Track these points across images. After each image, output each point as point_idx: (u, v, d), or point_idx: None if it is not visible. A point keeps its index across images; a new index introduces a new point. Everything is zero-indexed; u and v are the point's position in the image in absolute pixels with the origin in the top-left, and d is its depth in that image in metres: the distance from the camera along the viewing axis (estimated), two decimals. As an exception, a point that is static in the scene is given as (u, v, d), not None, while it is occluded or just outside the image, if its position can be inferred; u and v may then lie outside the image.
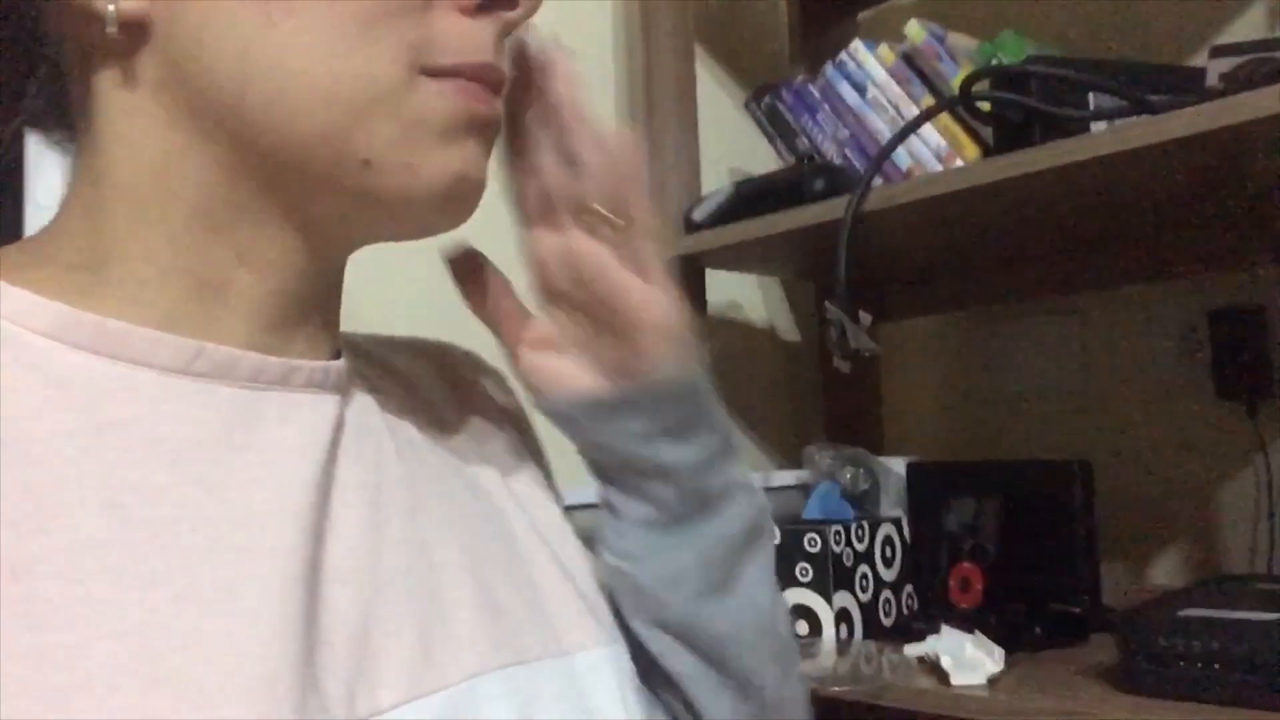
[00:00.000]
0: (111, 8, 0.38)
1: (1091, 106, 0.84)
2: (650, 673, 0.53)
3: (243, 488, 0.39)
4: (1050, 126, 0.85)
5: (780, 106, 1.21)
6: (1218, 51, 0.78)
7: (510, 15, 0.43)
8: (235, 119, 0.39)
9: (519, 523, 0.52)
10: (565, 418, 0.51)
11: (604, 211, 0.48)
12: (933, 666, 0.93)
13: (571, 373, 0.50)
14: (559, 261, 0.49)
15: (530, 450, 0.57)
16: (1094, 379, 1.31)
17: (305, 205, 0.42)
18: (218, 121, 0.40)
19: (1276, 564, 1.14)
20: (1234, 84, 0.74)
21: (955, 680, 0.90)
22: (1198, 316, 1.20)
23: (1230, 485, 1.20)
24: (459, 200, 0.43)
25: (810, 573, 1.05)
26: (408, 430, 0.49)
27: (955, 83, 1.04)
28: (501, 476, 0.53)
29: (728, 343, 1.36)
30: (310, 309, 0.45)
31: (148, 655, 0.34)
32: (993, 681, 0.89)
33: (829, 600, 1.04)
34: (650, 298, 0.48)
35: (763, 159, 1.28)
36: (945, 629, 0.96)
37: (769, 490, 1.19)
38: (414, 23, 0.41)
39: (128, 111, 0.40)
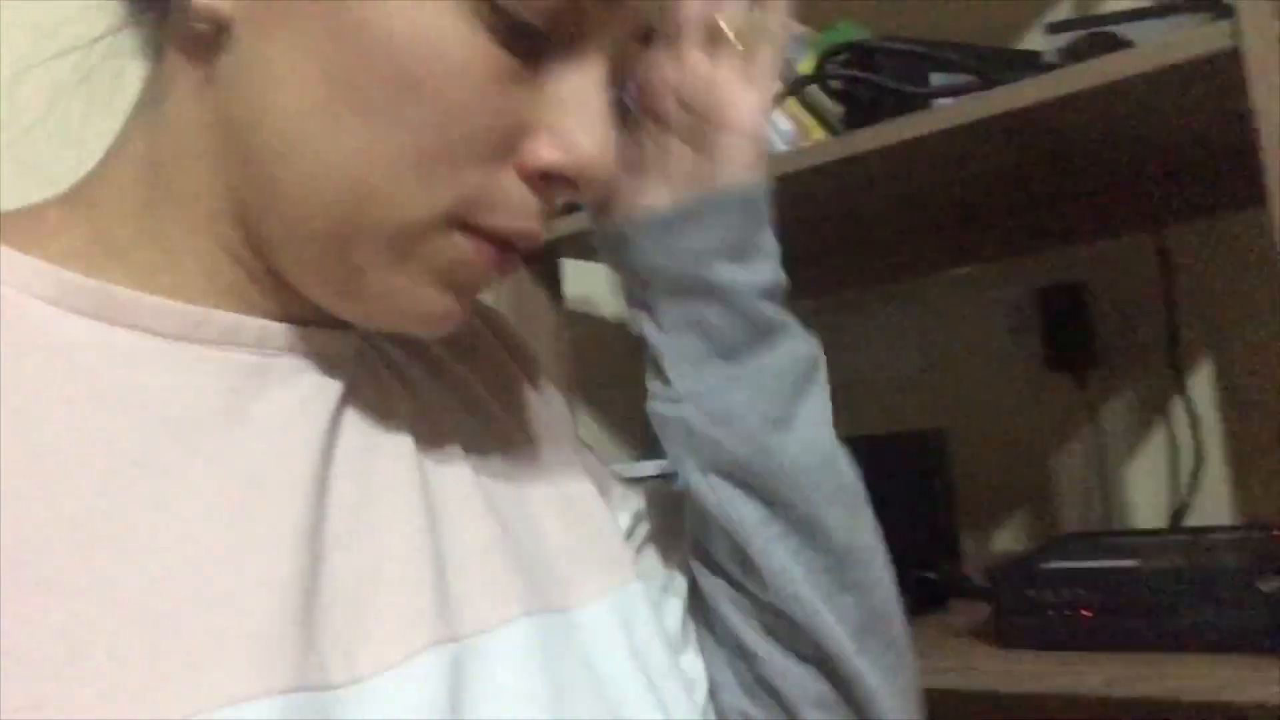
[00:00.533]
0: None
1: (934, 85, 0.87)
2: (695, 550, 0.53)
3: (245, 455, 0.39)
4: (898, 105, 0.87)
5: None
6: (1053, 28, 0.82)
7: (558, 191, 0.42)
8: (262, 175, 0.39)
9: (530, 471, 0.51)
10: (623, 239, 0.49)
11: (730, 33, 0.48)
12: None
13: (639, 191, 0.49)
14: (666, 84, 0.48)
15: (542, 390, 0.56)
16: (934, 360, 1.36)
17: (293, 271, 0.41)
18: (246, 163, 0.39)
19: (1109, 522, 1.21)
20: (1069, 57, 0.78)
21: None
22: (1027, 294, 1.27)
23: (1064, 452, 1.26)
24: (428, 328, 0.43)
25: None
26: (419, 386, 0.49)
27: (801, 69, 1.06)
28: (512, 422, 0.52)
29: (584, 334, 1.34)
30: None
31: (147, 623, 0.34)
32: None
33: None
34: (748, 100, 0.48)
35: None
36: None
37: (636, 480, 1.18)
38: (475, 178, 0.39)
39: (184, 95, 0.40)
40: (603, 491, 0.55)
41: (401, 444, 0.45)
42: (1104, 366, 1.23)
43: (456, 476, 0.47)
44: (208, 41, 0.39)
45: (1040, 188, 1.07)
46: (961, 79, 0.85)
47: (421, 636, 0.40)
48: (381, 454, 0.44)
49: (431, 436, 0.47)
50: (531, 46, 0.38)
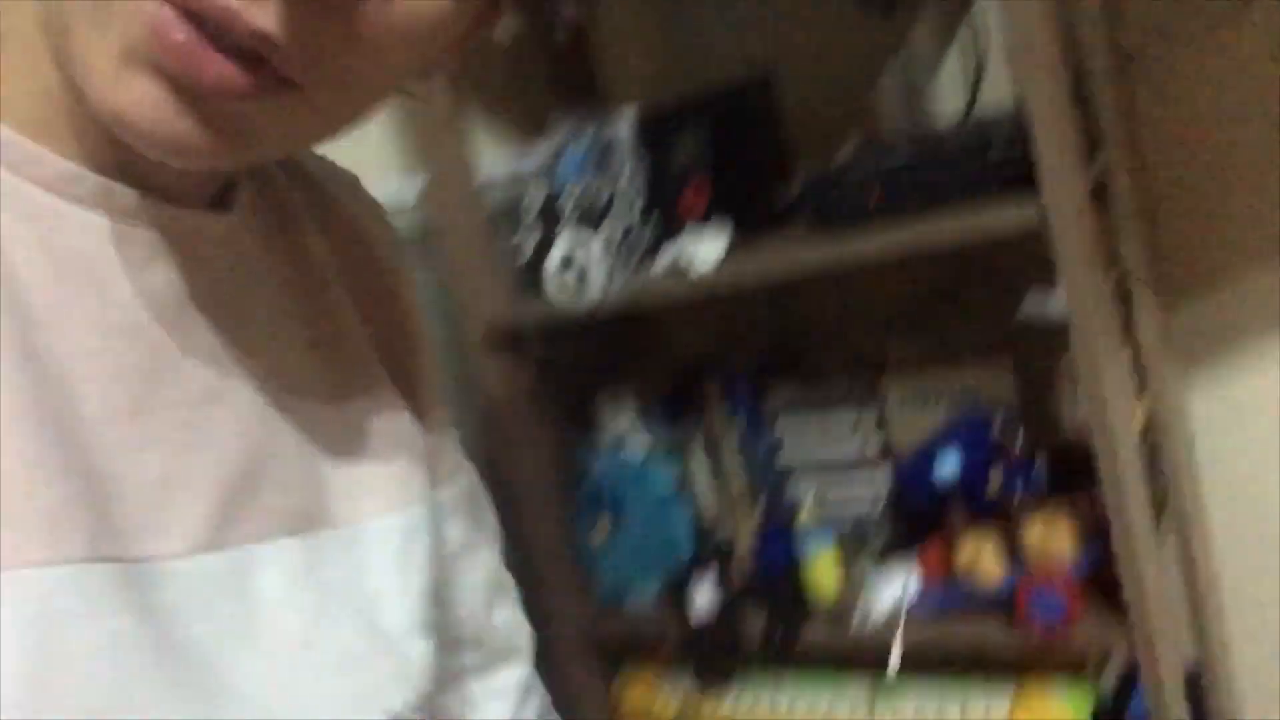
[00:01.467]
0: None
1: None
2: None
3: (86, 325, 0.39)
4: None
5: None
6: None
7: None
8: None
9: (351, 374, 0.51)
10: None
11: None
12: (676, 265, 1.18)
13: None
14: None
15: (386, 303, 0.55)
16: (763, 12, 1.52)
17: (70, 80, 0.37)
18: None
19: (919, 126, 1.43)
20: None
21: (696, 266, 1.15)
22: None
23: (880, 74, 1.47)
24: (132, 134, 0.35)
25: (573, 224, 1.26)
26: (281, 278, 0.49)
27: None
28: (348, 325, 0.52)
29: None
30: None
31: None
32: (725, 258, 1.15)
33: (595, 231, 1.25)
34: None
35: None
36: (684, 233, 1.21)
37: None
38: None
39: None
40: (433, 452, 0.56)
41: (254, 335, 0.46)
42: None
43: (295, 371, 0.48)
44: None
45: None
46: None
47: (206, 534, 0.41)
48: (231, 344, 0.44)
49: (282, 325, 0.48)
50: None
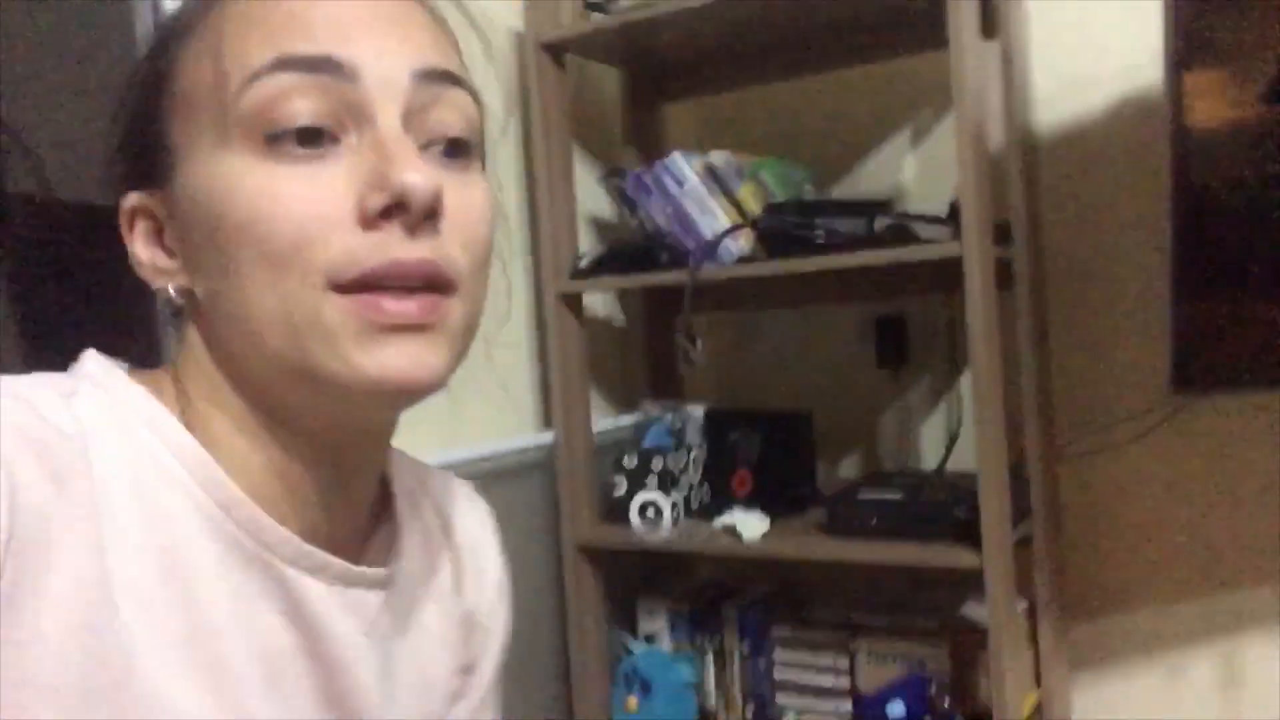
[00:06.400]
0: (170, 290, 0.53)
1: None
2: None
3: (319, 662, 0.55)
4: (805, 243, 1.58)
5: (624, 186, 1.87)
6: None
7: (408, 216, 0.47)
8: (228, 345, 0.51)
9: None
10: None
11: None
12: (729, 531, 1.69)
13: None
14: None
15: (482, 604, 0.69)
16: (810, 358, 2.10)
17: (289, 404, 0.51)
18: (224, 345, 0.52)
19: (908, 462, 1.98)
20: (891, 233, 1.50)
21: (745, 537, 1.65)
22: (869, 321, 2.01)
23: (885, 418, 2.03)
24: (391, 391, 0.49)
25: (655, 480, 1.77)
26: (437, 606, 0.64)
27: (741, 191, 1.75)
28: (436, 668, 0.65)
29: (594, 336, 2.02)
30: (357, 505, 0.57)
31: None
32: (764, 535, 1.66)
33: (667, 494, 1.76)
34: None
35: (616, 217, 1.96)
36: (734, 509, 1.72)
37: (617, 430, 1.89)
38: (320, 250, 0.47)
39: (195, 329, 0.54)
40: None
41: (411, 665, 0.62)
42: (913, 365, 1.99)
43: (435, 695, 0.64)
44: (192, 303, 0.53)
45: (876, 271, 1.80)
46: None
47: None
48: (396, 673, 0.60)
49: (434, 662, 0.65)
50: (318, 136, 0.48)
